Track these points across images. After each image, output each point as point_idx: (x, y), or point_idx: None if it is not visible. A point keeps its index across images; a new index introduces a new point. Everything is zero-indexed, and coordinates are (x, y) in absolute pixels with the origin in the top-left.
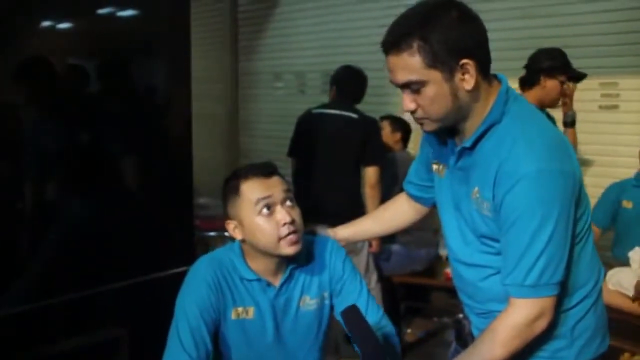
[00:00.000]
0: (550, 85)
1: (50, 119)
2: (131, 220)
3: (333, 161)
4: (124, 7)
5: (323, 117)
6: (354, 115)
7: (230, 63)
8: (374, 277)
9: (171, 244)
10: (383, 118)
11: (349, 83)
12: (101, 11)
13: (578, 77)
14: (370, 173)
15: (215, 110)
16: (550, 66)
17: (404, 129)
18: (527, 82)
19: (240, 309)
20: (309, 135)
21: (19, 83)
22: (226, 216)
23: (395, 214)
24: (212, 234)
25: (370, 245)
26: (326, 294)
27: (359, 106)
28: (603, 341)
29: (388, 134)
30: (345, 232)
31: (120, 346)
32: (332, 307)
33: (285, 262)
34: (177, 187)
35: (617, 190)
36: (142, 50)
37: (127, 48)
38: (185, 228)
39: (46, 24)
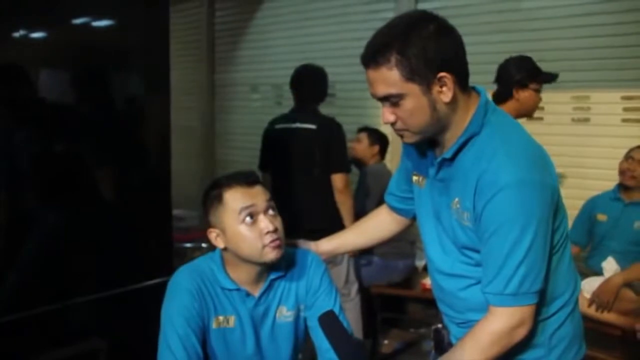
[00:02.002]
0: (524, 96)
1: (27, 129)
2: (109, 232)
3: (302, 177)
4: (103, 18)
5: (285, 132)
6: (313, 126)
7: (206, 74)
8: (354, 287)
9: (149, 256)
10: (361, 130)
11: (306, 85)
12: (80, 21)
13: (549, 80)
14: (337, 180)
15: (192, 121)
16: (522, 77)
17: (382, 142)
18: (500, 96)
19: (221, 318)
20: (275, 153)
21: None
22: (208, 225)
23: (377, 225)
24: (188, 245)
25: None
26: (302, 307)
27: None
28: (580, 350)
29: (366, 147)
30: (328, 245)
31: (99, 358)
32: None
33: (265, 272)
34: (155, 199)
35: (591, 205)
36: (121, 60)
37: (106, 58)
38: (163, 239)
39: (25, 33)
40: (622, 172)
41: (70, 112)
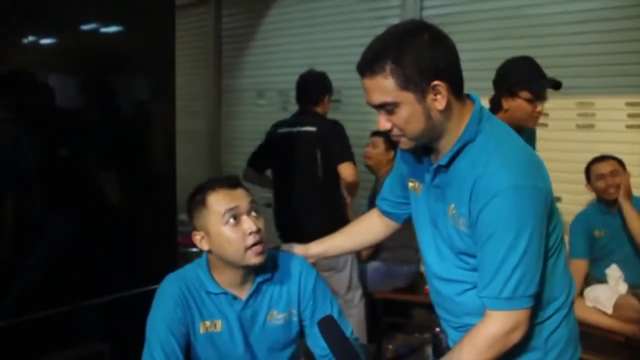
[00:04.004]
0: (513, 107)
1: (35, 134)
2: (115, 236)
3: (306, 180)
4: (109, 24)
5: (288, 136)
6: (312, 129)
7: (213, 80)
8: (358, 293)
9: (154, 260)
10: (375, 134)
11: (306, 90)
12: (87, 27)
13: (545, 87)
14: (344, 170)
15: (198, 127)
16: (510, 85)
17: (396, 148)
18: (492, 105)
19: (208, 323)
20: (279, 157)
21: (2, 97)
22: (193, 228)
23: (367, 229)
24: (193, 249)
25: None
26: (294, 311)
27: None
28: (575, 353)
29: (382, 152)
30: (318, 248)
31: None
32: (300, 324)
33: (252, 275)
34: (161, 203)
35: (584, 222)
36: (127, 66)
37: (112, 64)
38: (168, 244)
39: (32, 39)
40: (604, 191)
41: (76, 117)
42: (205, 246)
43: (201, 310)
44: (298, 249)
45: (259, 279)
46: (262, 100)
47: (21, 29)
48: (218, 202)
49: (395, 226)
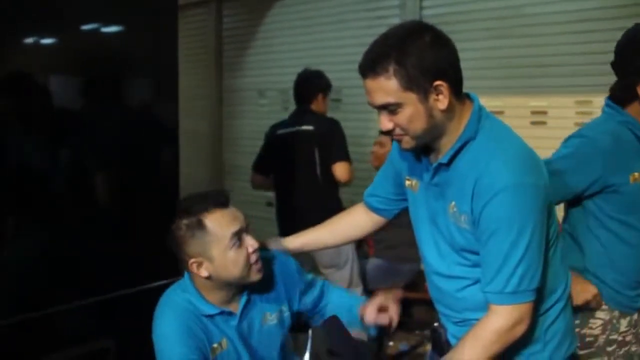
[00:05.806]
0: None
1: (38, 134)
2: (118, 235)
3: (306, 179)
4: (111, 24)
5: (286, 137)
6: (310, 128)
7: (214, 80)
8: (358, 290)
9: (157, 258)
10: (384, 133)
11: (298, 89)
12: (89, 28)
13: None
14: (338, 170)
15: (200, 126)
16: None
17: None
18: (621, 96)
19: (215, 345)
20: (279, 158)
21: (5, 98)
22: (187, 255)
23: (353, 225)
24: None
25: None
26: (284, 308)
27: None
28: (571, 345)
29: (388, 152)
30: (296, 242)
31: (108, 357)
32: (291, 318)
33: (241, 287)
34: (164, 203)
35: None
36: (130, 67)
37: (115, 65)
38: None
39: (35, 40)
40: None
41: (79, 118)
42: (204, 273)
43: (207, 336)
44: (271, 243)
45: (248, 289)
46: (263, 100)
47: (23, 30)
48: (220, 225)
49: (383, 222)
